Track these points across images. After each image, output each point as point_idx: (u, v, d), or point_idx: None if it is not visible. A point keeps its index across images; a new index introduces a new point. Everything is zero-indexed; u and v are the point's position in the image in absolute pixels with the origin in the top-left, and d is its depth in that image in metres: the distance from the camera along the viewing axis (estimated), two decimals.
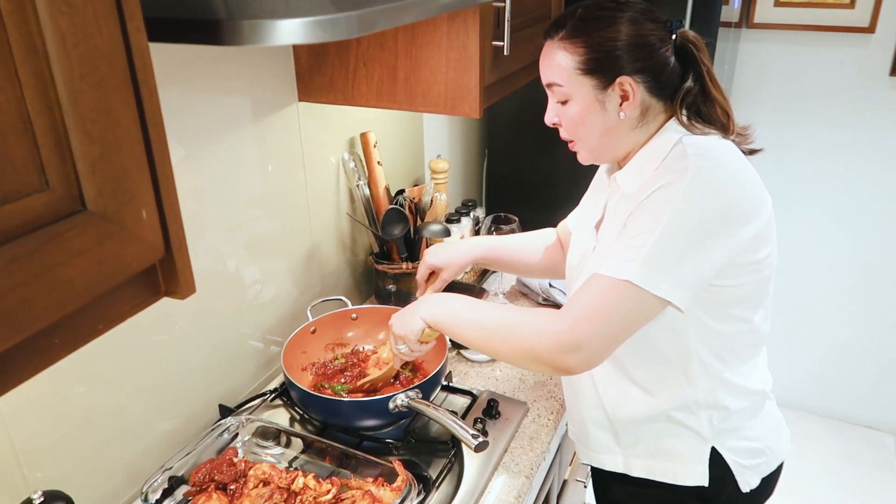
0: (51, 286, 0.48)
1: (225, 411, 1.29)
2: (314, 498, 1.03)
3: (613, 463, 1.18)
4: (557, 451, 1.42)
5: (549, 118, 1.08)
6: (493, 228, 1.66)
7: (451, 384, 1.39)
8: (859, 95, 2.34)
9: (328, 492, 1.03)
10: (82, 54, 0.48)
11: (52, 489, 0.81)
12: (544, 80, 1.04)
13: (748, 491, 1.12)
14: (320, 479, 1.05)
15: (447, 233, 1.53)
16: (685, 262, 0.92)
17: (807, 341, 2.75)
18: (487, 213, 1.79)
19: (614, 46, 0.97)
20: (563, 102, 1.03)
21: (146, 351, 1.14)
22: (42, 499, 0.79)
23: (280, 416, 1.31)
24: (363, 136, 1.54)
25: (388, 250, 1.59)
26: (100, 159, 0.50)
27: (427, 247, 1.65)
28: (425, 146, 1.92)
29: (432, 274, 1.31)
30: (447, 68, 1.18)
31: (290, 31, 0.60)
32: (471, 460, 1.19)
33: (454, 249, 1.30)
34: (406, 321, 1.11)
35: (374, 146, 1.54)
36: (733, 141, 1.04)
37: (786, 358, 2.77)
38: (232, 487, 1.06)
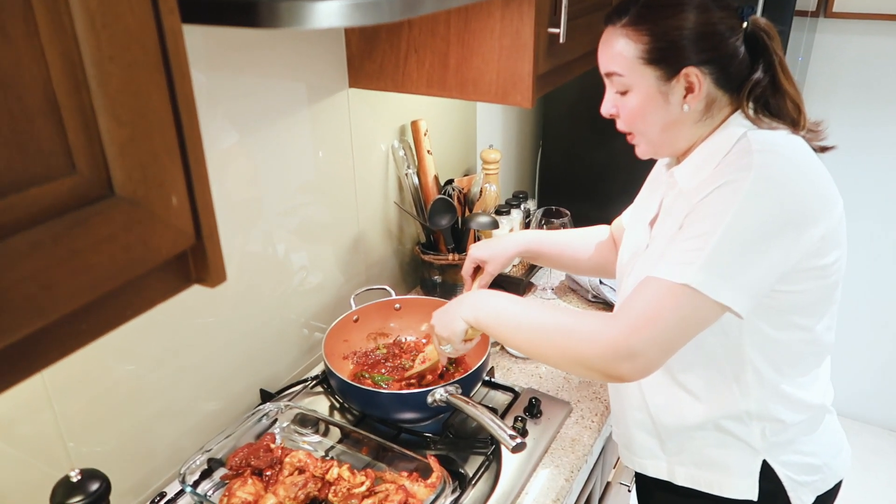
0: (75, 272, 0.47)
1: (266, 396, 1.29)
2: (348, 489, 1.02)
3: (657, 469, 1.13)
4: (601, 453, 1.38)
5: (606, 109, 1.02)
6: (543, 222, 1.62)
7: (492, 380, 1.36)
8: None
9: (362, 484, 1.02)
10: (112, 35, 0.46)
11: (90, 468, 0.82)
12: (603, 69, 0.98)
13: None
14: (355, 471, 1.04)
15: (495, 225, 1.49)
16: (747, 265, 0.86)
17: (874, 351, 2.60)
18: (539, 206, 1.75)
19: (681, 35, 0.91)
20: (623, 93, 0.97)
21: (192, 332, 1.15)
22: (80, 477, 0.80)
23: (320, 404, 1.31)
24: (414, 123, 1.52)
25: (435, 241, 1.57)
26: (129, 143, 0.49)
27: (475, 239, 1.62)
28: (478, 136, 1.88)
29: (478, 269, 1.28)
30: (500, 56, 1.15)
31: (329, 13, 0.58)
32: (509, 459, 1.16)
33: (500, 242, 1.27)
34: (447, 322, 1.08)
35: (425, 134, 1.52)
36: (803, 137, 0.97)
37: (850, 368, 2.63)
38: (268, 474, 1.06)
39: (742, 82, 0.95)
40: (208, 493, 1.07)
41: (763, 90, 0.95)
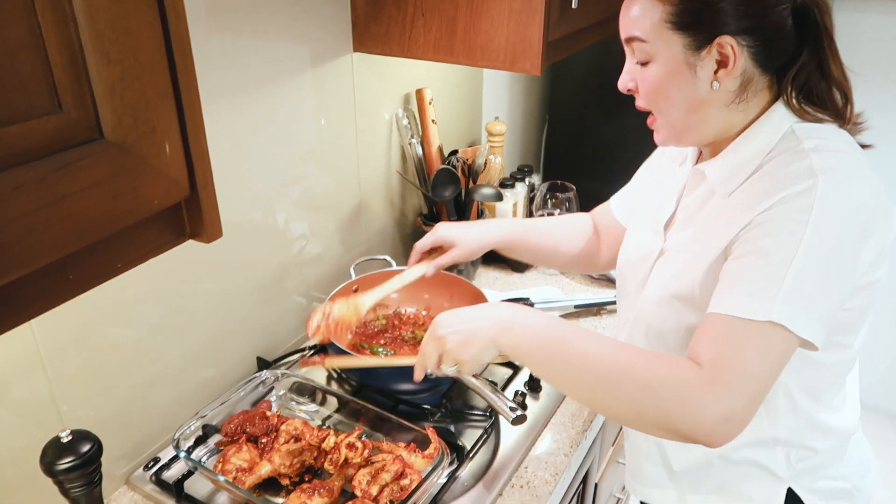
0: (60, 218, 0.45)
1: (262, 364, 1.28)
2: (345, 458, 1.00)
3: (663, 498, 1.04)
4: (601, 429, 1.37)
5: (624, 83, 0.89)
6: (548, 196, 1.59)
7: None
8: None
9: (359, 453, 1.00)
10: None
11: (81, 429, 0.80)
12: (623, 34, 0.86)
13: None
14: (353, 445, 1.02)
15: (499, 197, 1.47)
16: (828, 291, 0.76)
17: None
18: (544, 181, 1.72)
19: None
20: (644, 63, 0.85)
21: (189, 298, 1.13)
22: (70, 437, 0.78)
23: (317, 374, 1.29)
24: (419, 92, 1.49)
25: (438, 212, 1.55)
26: (119, 83, 0.47)
27: (479, 211, 1.60)
28: (483, 107, 1.85)
29: (434, 250, 1.15)
30: (509, 20, 1.11)
31: None
32: (508, 432, 1.15)
33: (475, 228, 1.14)
34: (474, 349, 0.87)
35: (430, 103, 1.49)
36: (848, 132, 0.86)
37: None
38: (263, 441, 1.05)
39: (785, 62, 0.83)
40: (202, 460, 1.05)
41: (808, 74, 0.83)
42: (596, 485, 1.48)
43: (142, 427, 1.10)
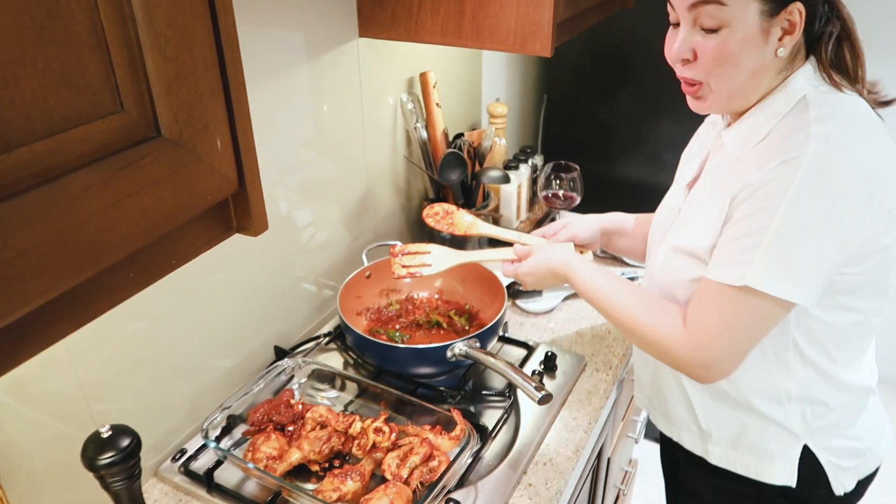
0: (125, 216, 0.45)
1: (280, 353, 1.28)
2: (373, 443, 1.02)
3: (692, 443, 1.08)
4: (613, 405, 1.39)
5: (681, 52, 0.87)
6: (553, 177, 1.60)
7: (506, 335, 1.35)
8: None
9: (387, 437, 1.02)
10: None
11: (119, 423, 0.80)
12: None
13: (842, 494, 1.01)
14: (380, 430, 1.03)
15: (507, 179, 1.47)
16: (808, 255, 0.80)
17: None
18: (545, 162, 1.73)
19: None
20: (713, 30, 0.83)
21: (201, 290, 1.13)
22: (110, 432, 0.79)
23: (334, 360, 1.30)
24: (423, 76, 1.48)
25: (444, 196, 1.55)
26: (175, 81, 0.47)
27: (484, 194, 1.60)
28: (483, 89, 1.85)
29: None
30: (518, 2, 1.11)
31: None
32: (527, 412, 1.17)
33: (582, 219, 1.23)
34: (540, 278, 1.09)
35: (434, 87, 1.49)
36: (864, 98, 0.89)
37: None
38: (290, 429, 1.06)
39: (819, 29, 0.86)
40: (231, 449, 1.06)
41: (834, 40, 0.86)
42: (609, 459, 1.51)
43: (166, 419, 1.10)
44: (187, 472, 1.05)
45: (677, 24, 0.88)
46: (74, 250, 0.42)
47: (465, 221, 1.21)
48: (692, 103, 0.93)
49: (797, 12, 0.81)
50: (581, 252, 1.17)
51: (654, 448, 2.04)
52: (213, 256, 1.12)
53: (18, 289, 0.39)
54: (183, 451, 1.09)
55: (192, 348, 1.14)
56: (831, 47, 0.86)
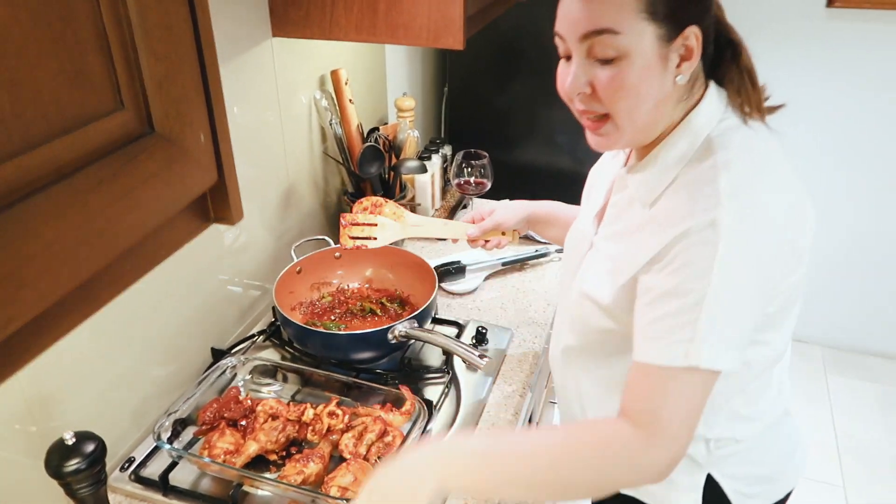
0: (131, 208, 0.48)
1: (217, 354, 1.29)
2: (328, 426, 1.06)
3: None
4: (539, 372, 1.50)
5: (578, 86, 0.80)
6: (464, 164, 1.68)
7: (436, 315, 1.42)
8: (796, 27, 2.44)
9: (341, 419, 1.06)
10: None
11: (83, 430, 0.80)
12: (586, 28, 0.77)
13: None
14: (334, 413, 1.07)
15: (424, 169, 1.54)
16: (742, 321, 0.77)
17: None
18: (453, 152, 1.81)
19: None
20: (609, 61, 0.77)
21: (128, 299, 1.10)
22: (74, 439, 0.78)
23: (275, 354, 1.32)
24: (334, 73, 1.52)
25: (364, 189, 1.59)
26: (165, 79, 0.50)
27: (401, 186, 1.66)
28: (388, 84, 1.90)
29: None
30: None
31: None
32: (466, 384, 1.25)
33: (508, 205, 1.23)
34: (404, 489, 0.75)
35: (346, 83, 1.53)
36: (764, 114, 0.86)
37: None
38: (242, 424, 1.07)
39: (712, 55, 0.83)
40: (185, 450, 1.06)
41: (728, 65, 0.84)
42: (538, 424, 1.62)
43: (110, 430, 1.08)
44: (139, 479, 1.05)
45: (568, 57, 0.83)
46: (91, 241, 0.45)
47: (395, 212, 1.25)
48: (594, 140, 0.86)
49: (694, 37, 0.77)
50: (510, 235, 1.22)
51: None
52: None
53: (47, 280, 0.42)
54: (131, 460, 1.08)
55: (128, 358, 1.12)
56: (738, 73, 0.84)
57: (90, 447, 0.79)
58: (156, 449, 1.09)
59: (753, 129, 0.85)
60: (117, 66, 0.46)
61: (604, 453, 0.78)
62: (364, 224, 1.20)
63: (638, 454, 0.77)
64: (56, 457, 0.77)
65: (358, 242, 1.19)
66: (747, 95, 0.84)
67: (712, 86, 0.85)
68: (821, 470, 2.39)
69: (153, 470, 1.05)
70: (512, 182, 1.97)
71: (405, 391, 1.10)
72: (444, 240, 1.72)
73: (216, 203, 0.61)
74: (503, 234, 1.22)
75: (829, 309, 2.88)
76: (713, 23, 0.81)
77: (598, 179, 1.05)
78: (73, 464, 0.77)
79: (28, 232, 0.40)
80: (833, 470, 2.40)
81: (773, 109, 0.88)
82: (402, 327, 1.18)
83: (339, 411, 1.07)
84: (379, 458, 1.02)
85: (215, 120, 0.56)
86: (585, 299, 0.93)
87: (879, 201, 2.65)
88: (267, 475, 1.02)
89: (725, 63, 0.84)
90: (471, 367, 1.27)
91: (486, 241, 1.22)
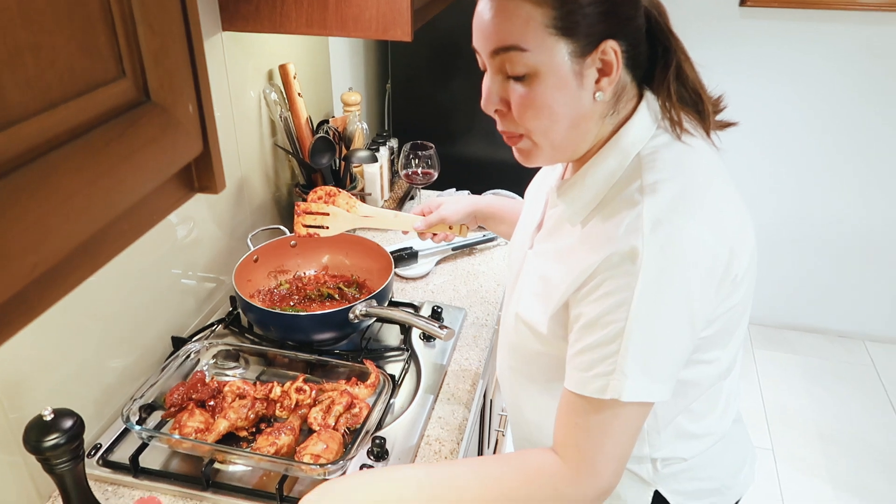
0: (135, 168, 0.52)
1: (178, 342, 1.30)
2: (296, 401, 1.09)
3: None
4: (491, 349, 1.57)
5: (492, 103, 0.79)
6: (411, 155, 1.74)
7: (392, 299, 1.48)
8: (710, 26, 2.61)
9: (308, 394, 1.10)
10: None
11: (61, 407, 0.82)
12: (492, 44, 0.75)
13: None
14: (301, 388, 1.11)
15: (374, 158, 1.59)
16: (668, 349, 0.76)
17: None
18: (399, 145, 1.87)
19: None
20: (520, 77, 0.75)
21: (79, 293, 1.11)
22: (52, 415, 0.80)
23: (237, 338, 1.34)
24: (283, 67, 1.55)
25: (315, 181, 1.63)
26: (160, 52, 0.54)
27: (351, 177, 1.71)
28: (332, 79, 1.94)
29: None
30: None
31: None
32: (425, 359, 1.30)
33: (455, 200, 1.23)
34: None
35: (294, 78, 1.56)
36: (709, 127, 0.83)
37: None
38: (211, 404, 1.10)
39: (646, 67, 0.81)
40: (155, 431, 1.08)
41: (666, 76, 0.79)
42: (491, 400, 1.69)
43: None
44: (107, 464, 1.06)
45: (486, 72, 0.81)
46: (102, 196, 0.49)
47: (348, 203, 1.26)
48: (518, 157, 0.85)
49: (611, 51, 0.74)
50: (460, 230, 1.22)
51: None
52: None
53: (68, 229, 0.46)
54: (98, 446, 1.09)
55: (87, 351, 1.13)
56: (672, 84, 0.79)
57: (68, 423, 0.81)
58: (122, 434, 1.10)
59: (690, 145, 0.80)
60: (119, 37, 0.50)
61: (530, 488, 0.79)
62: (317, 213, 1.23)
63: (564, 489, 0.77)
64: (35, 433, 0.79)
65: (311, 230, 1.22)
66: (676, 109, 0.80)
67: (646, 98, 0.81)
68: (752, 436, 2.56)
69: (121, 455, 1.07)
70: (457, 173, 2.05)
71: (369, 364, 1.16)
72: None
73: (201, 173, 0.65)
74: (450, 228, 1.22)
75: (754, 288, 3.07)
76: (644, 31, 0.78)
77: (537, 190, 1.03)
78: (51, 439, 0.79)
79: (51, 183, 0.44)
80: (763, 435, 2.57)
81: (722, 125, 0.84)
82: (362, 307, 1.22)
83: (306, 387, 1.11)
84: (348, 428, 1.07)
85: (201, 93, 0.61)
86: (521, 323, 0.91)
87: (799, 187, 2.85)
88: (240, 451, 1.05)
89: (666, 76, 0.79)
90: (429, 343, 1.33)
91: (434, 234, 1.24)
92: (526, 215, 1.03)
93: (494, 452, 1.91)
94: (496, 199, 1.26)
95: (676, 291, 0.74)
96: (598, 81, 0.76)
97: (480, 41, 0.78)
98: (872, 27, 2.48)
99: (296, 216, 1.23)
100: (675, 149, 0.80)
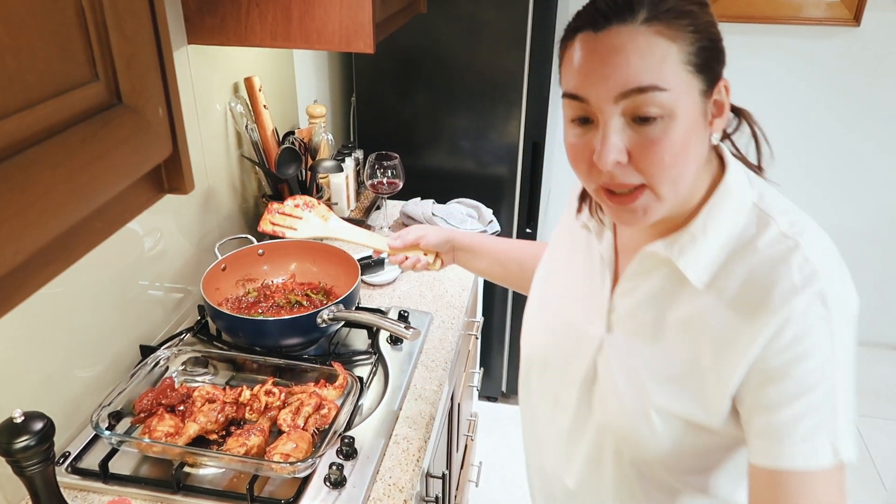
0: (108, 167, 0.55)
1: (147, 351, 1.31)
2: (265, 404, 1.11)
3: None
4: (457, 353, 1.61)
5: (615, 152, 0.68)
6: (376, 165, 1.78)
7: (359, 305, 1.50)
8: None
9: (277, 397, 1.12)
10: None
11: (31, 410, 0.83)
12: (625, 86, 0.66)
13: None
14: (270, 391, 1.13)
15: (340, 168, 1.63)
16: (853, 403, 0.70)
17: None
18: (364, 156, 1.90)
19: (717, 32, 0.69)
20: (648, 121, 0.67)
21: (44, 303, 1.11)
22: (22, 418, 0.81)
23: (206, 345, 1.36)
24: (248, 80, 1.58)
25: (281, 191, 1.66)
26: (132, 57, 0.57)
27: (317, 188, 1.73)
28: (297, 92, 1.98)
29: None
30: (341, 5, 1.27)
31: None
32: (392, 362, 1.33)
33: (435, 227, 1.19)
34: None
35: (260, 90, 1.59)
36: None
37: None
38: (181, 409, 1.11)
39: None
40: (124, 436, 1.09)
41: (741, 118, 0.77)
42: (459, 405, 1.73)
43: None
44: (76, 471, 1.07)
45: (585, 121, 0.71)
46: (77, 192, 0.51)
47: (324, 215, 1.24)
48: (624, 216, 0.73)
49: (724, 89, 0.71)
50: (434, 261, 1.18)
51: (489, 406, 2.34)
52: None
53: (46, 221, 0.48)
54: (66, 454, 1.09)
55: (55, 361, 1.13)
56: (754, 126, 0.78)
57: (39, 425, 0.82)
58: (91, 442, 1.11)
59: (769, 185, 0.78)
60: (93, 42, 0.53)
61: None
62: (290, 215, 1.24)
63: None
64: (5, 435, 0.80)
65: (278, 229, 1.20)
66: (758, 153, 0.78)
67: (723, 143, 0.78)
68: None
69: (90, 462, 1.08)
70: (421, 183, 2.09)
71: (338, 367, 1.18)
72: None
73: (170, 174, 0.67)
74: (425, 254, 1.17)
75: None
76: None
77: (577, 257, 0.90)
78: (22, 440, 0.80)
79: (31, 178, 0.46)
80: None
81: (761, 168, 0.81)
82: (329, 311, 1.25)
83: (275, 390, 1.13)
84: (317, 429, 1.09)
85: (170, 97, 0.64)
86: (664, 420, 0.76)
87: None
88: (210, 453, 1.07)
89: (737, 123, 0.78)
90: (395, 346, 1.37)
91: (406, 258, 1.16)
92: (573, 295, 0.89)
93: (464, 458, 1.94)
94: (475, 234, 1.21)
95: (853, 327, 0.70)
96: (710, 122, 0.72)
97: (600, 84, 0.67)
98: (813, 40, 2.61)
99: (266, 213, 1.23)
100: (771, 188, 0.77)
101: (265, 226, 1.21)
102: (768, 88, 2.72)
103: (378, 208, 1.95)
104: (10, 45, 0.44)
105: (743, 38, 2.65)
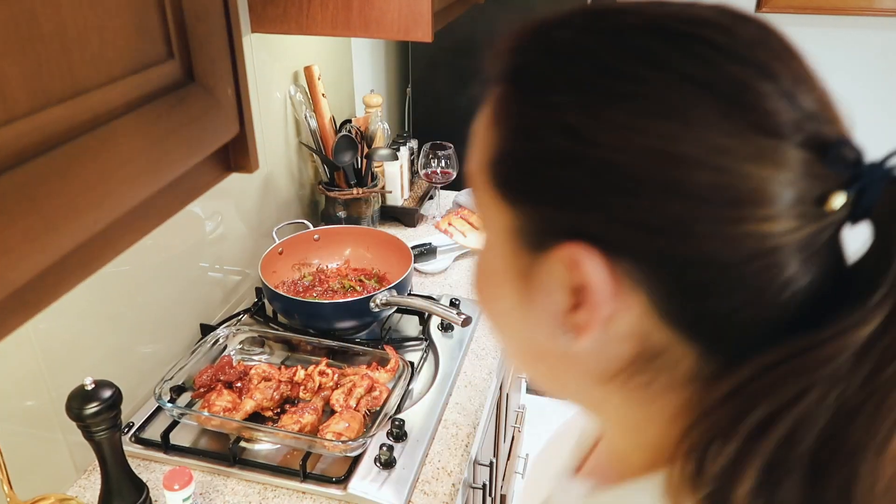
0: (182, 141, 0.57)
1: (206, 329, 1.36)
2: (319, 384, 1.14)
3: None
4: None
5: None
6: (430, 154, 1.79)
7: (412, 292, 1.52)
8: None
9: (331, 377, 1.15)
10: None
11: (101, 378, 0.87)
12: None
13: None
14: (324, 372, 1.16)
15: (395, 156, 1.64)
16: None
17: None
18: (419, 145, 1.92)
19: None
20: None
21: (110, 280, 1.15)
22: (93, 385, 0.85)
23: (262, 326, 1.40)
24: (307, 69, 1.61)
25: (336, 179, 1.69)
26: (205, 38, 0.59)
27: (372, 176, 1.76)
28: (354, 81, 2.01)
29: None
30: None
31: None
32: (443, 349, 1.34)
33: None
34: None
35: (319, 79, 1.62)
36: None
37: None
38: (238, 385, 1.15)
39: None
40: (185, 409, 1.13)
41: None
42: (508, 395, 1.73)
43: None
44: (139, 441, 1.11)
45: None
46: (153, 165, 0.54)
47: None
48: None
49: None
50: None
51: (536, 399, 2.33)
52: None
53: (124, 191, 0.51)
54: (130, 425, 1.14)
55: (117, 337, 1.18)
56: None
57: (108, 392, 0.86)
58: (154, 414, 1.16)
59: None
60: (169, 23, 0.55)
61: None
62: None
63: None
64: (77, 401, 0.84)
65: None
66: None
67: None
68: None
69: (153, 432, 1.12)
70: None
71: (389, 350, 1.20)
72: (415, 226, 1.83)
73: (237, 154, 0.70)
74: None
75: None
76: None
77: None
78: (92, 406, 0.84)
79: (111, 149, 0.49)
80: None
81: None
82: (383, 295, 1.27)
83: (328, 370, 1.16)
84: (368, 410, 1.11)
85: (239, 78, 0.66)
86: None
87: None
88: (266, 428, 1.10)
89: None
90: (446, 333, 1.38)
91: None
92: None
93: (510, 449, 1.94)
94: None
95: None
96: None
97: None
98: (888, 32, 2.50)
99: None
100: None
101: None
102: (839, 83, 2.62)
103: (431, 198, 1.96)
104: (94, 24, 0.47)
105: (812, 31, 2.56)
